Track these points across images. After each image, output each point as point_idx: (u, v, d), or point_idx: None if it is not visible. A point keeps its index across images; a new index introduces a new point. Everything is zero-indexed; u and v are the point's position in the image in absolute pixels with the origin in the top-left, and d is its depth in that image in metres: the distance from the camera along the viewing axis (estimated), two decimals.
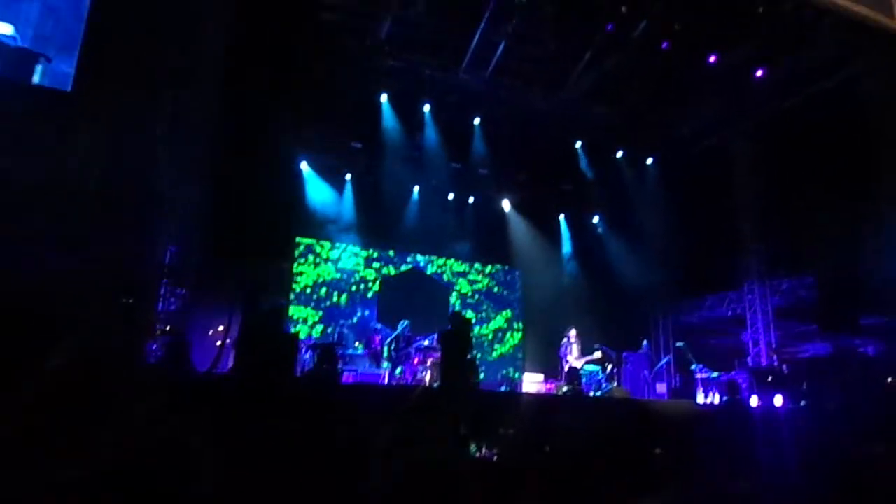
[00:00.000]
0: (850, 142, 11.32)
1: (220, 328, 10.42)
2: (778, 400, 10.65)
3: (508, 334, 16.56)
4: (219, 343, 9.29)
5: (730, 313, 14.95)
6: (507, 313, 16.76)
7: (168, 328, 8.35)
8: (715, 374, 12.07)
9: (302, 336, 12.92)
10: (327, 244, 14.85)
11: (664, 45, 11.42)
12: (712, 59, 11.83)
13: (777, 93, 12.67)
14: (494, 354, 16.15)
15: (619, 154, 15.49)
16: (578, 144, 15.10)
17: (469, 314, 15.69)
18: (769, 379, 11.43)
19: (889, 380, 10.73)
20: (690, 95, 13.40)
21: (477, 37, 11.56)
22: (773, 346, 13.45)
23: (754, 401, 10.98)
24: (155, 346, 7.89)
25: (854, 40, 11.03)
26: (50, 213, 5.04)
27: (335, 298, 14.68)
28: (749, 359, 13.55)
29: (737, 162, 14.33)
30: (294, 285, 14.25)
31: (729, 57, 11.88)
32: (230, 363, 7.78)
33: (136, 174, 5.65)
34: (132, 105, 5.67)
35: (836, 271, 11.81)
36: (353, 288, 14.97)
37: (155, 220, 6.33)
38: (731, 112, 13.76)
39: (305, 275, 14.51)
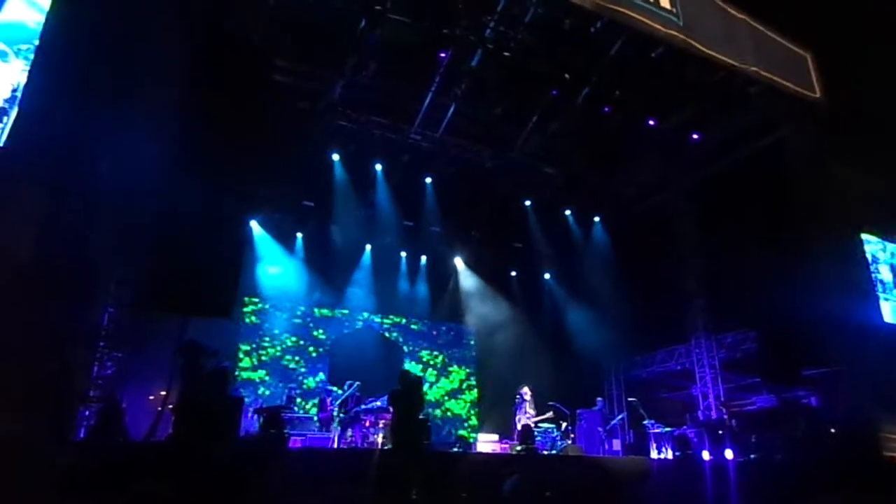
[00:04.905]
0: (783, 199, 11.95)
1: (163, 392, 9.95)
2: (728, 454, 10.74)
3: (463, 393, 16.35)
4: (159, 408, 8.83)
5: (679, 367, 15.18)
6: (462, 372, 16.59)
7: (101, 394, 7.89)
8: (667, 429, 12.12)
9: (249, 399, 12.42)
10: (277, 304, 14.54)
11: (606, 109, 11.98)
12: (651, 122, 12.45)
13: (713, 155, 13.37)
14: (448, 414, 15.87)
15: (568, 213, 15.89)
16: (528, 203, 15.42)
17: (422, 372, 15.47)
18: (719, 433, 11.54)
19: (833, 430, 10.99)
20: (632, 157, 14.01)
21: (427, 99, 11.90)
22: (722, 399, 13.66)
23: (706, 455, 11.04)
24: (88, 412, 7.44)
25: (779, 107, 11.84)
26: None
27: (285, 360, 14.27)
28: (699, 412, 13.69)
29: (679, 220, 14.89)
30: (241, 346, 13.82)
31: (667, 121, 12.56)
32: (170, 430, 7.40)
33: (72, 236, 5.46)
34: (70, 164, 5.53)
35: (777, 324, 12.19)
36: (304, 348, 14.62)
37: (91, 283, 6.09)
38: (671, 173, 14.42)
39: (253, 335, 14.11)
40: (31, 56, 6.27)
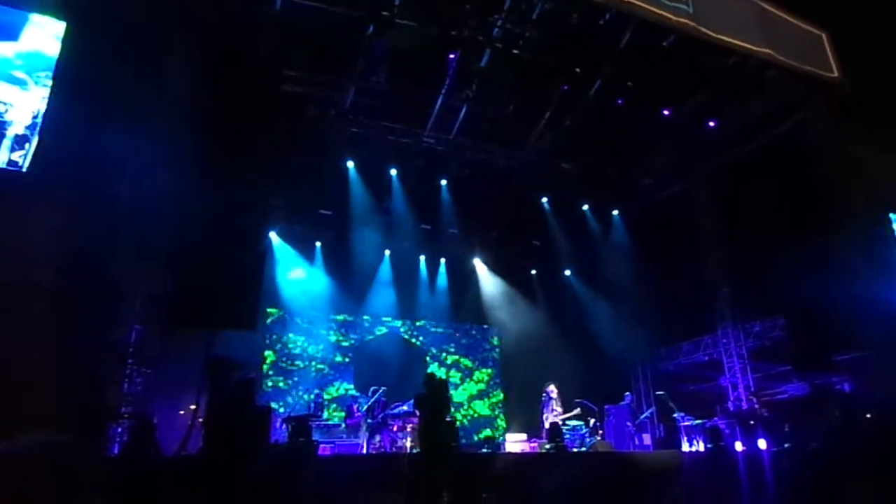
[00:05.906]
0: (805, 183, 11.73)
1: (192, 407, 10.08)
2: (762, 444, 10.58)
3: (488, 394, 16.31)
4: (189, 423, 8.94)
5: (706, 358, 14.99)
6: (487, 372, 16.56)
7: (132, 410, 8.02)
8: (698, 422, 11.97)
9: (277, 408, 12.53)
10: (300, 313, 14.65)
11: (619, 101, 11.86)
12: (666, 112, 12.31)
13: (730, 141, 13.15)
14: (475, 415, 15.84)
15: (585, 207, 15.76)
16: (545, 200, 15.34)
17: (447, 375, 15.47)
18: (751, 423, 11.37)
19: (868, 416, 10.75)
20: (648, 147, 13.86)
21: (438, 102, 11.89)
22: (752, 388, 13.45)
23: (739, 446, 10.89)
24: (119, 429, 7.56)
25: (796, 89, 11.62)
26: (7, 303, 4.89)
27: (310, 368, 14.37)
28: (730, 403, 13.50)
29: (699, 209, 14.66)
30: (267, 356, 13.94)
31: (682, 110, 12.39)
32: (200, 443, 7.48)
33: (95, 256, 5.56)
34: (90, 185, 5.63)
35: (805, 310, 11.97)
36: (329, 356, 14.70)
37: (115, 301, 6.20)
38: (688, 161, 14.21)
39: (278, 345, 14.23)
40: (50, 83, 6.40)
